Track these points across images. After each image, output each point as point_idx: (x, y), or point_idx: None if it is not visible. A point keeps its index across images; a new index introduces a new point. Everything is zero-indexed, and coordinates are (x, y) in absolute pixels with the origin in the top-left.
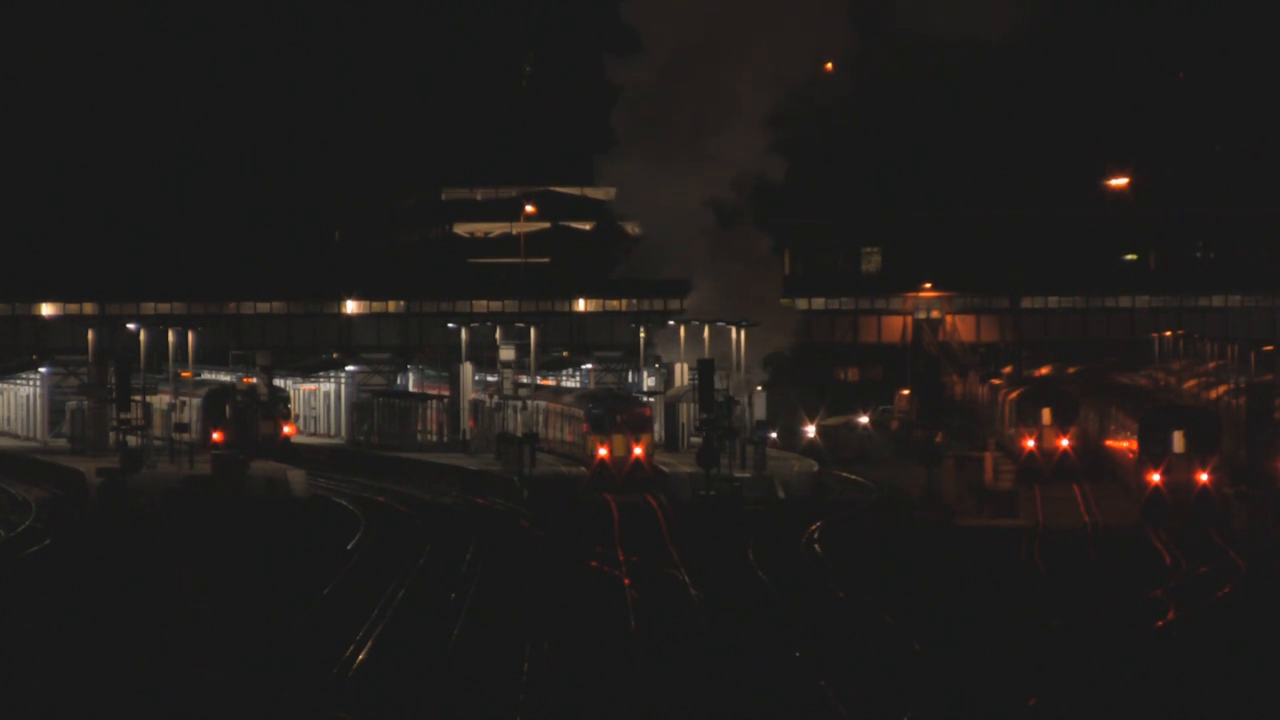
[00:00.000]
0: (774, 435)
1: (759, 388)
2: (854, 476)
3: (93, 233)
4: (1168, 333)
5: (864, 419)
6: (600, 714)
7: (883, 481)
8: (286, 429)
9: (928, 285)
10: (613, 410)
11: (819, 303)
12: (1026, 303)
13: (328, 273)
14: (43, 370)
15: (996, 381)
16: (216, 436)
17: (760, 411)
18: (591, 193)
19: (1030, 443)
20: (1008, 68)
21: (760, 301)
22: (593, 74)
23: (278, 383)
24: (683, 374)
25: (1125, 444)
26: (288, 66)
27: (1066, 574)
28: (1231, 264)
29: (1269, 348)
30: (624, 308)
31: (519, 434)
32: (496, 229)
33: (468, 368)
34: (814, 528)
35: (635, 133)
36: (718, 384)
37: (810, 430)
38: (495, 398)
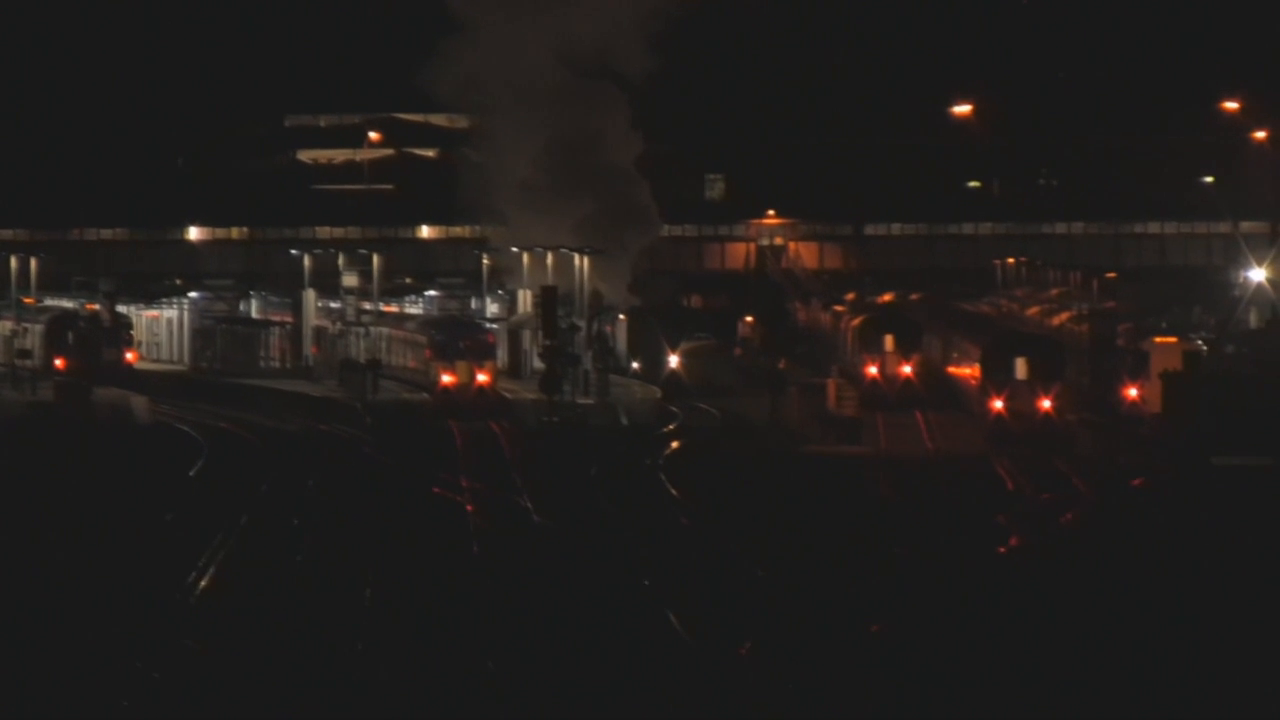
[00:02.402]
0: (636, 365)
1: (621, 316)
2: (701, 405)
3: None
4: (1011, 260)
5: (691, 344)
6: (439, 639)
7: (727, 409)
8: (130, 355)
9: (771, 212)
10: (456, 337)
11: (662, 229)
12: (870, 230)
13: (171, 199)
14: None
15: (840, 309)
16: (59, 363)
17: (622, 340)
18: (435, 119)
19: (873, 370)
20: None
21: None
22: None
23: (121, 309)
24: (526, 300)
25: (968, 371)
26: None
27: (909, 501)
28: (1075, 191)
29: (1112, 275)
30: (469, 234)
31: (362, 361)
32: (340, 156)
33: (310, 294)
34: (657, 454)
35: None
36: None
37: (673, 360)
38: (338, 324)
